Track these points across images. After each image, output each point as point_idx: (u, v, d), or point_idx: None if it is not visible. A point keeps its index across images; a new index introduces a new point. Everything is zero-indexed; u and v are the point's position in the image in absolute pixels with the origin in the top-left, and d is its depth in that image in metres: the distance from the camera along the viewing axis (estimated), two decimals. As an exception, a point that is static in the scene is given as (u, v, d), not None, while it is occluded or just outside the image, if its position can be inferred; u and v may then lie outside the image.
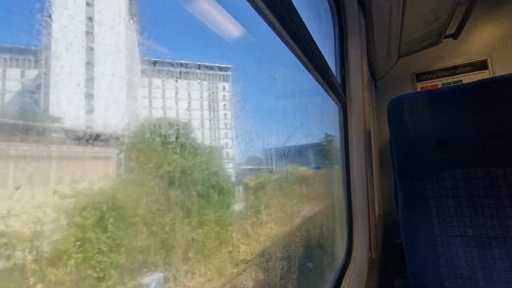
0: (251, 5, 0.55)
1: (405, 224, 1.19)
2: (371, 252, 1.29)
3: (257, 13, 0.58)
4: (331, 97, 1.20)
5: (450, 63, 2.41)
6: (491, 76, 2.22)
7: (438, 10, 1.70)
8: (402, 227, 1.20)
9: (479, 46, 2.31)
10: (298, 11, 0.67)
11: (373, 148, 1.87)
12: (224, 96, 0.69)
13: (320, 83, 1.03)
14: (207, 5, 0.50)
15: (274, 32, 0.67)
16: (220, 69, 0.62)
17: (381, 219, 2.19)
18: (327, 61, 0.98)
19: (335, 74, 1.19)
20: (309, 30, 0.77)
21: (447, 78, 2.42)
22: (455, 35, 2.18)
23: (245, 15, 0.57)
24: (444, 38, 2.11)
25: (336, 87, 1.12)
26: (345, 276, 1.09)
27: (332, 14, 1.35)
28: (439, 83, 2.44)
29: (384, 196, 2.53)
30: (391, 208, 2.38)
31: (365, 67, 1.44)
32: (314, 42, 0.81)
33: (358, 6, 1.32)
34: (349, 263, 1.20)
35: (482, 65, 2.28)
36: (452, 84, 2.38)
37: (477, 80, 1.17)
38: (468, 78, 2.32)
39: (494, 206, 1.06)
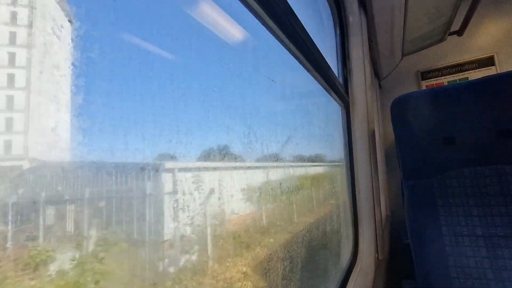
0: (246, 7, 0.56)
1: (412, 224, 1.18)
2: (377, 253, 1.27)
3: (253, 16, 0.58)
4: (333, 98, 1.20)
5: (456, 60, 2.37)
6: (498, 72, 2.18)
7: (442, 6, 1.69)
8: (409, 227, 1.18)
9: (485, 42, 2.28)
10: (297, 11, 0.67)
11: (378, 148, 1.85)
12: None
13: (321, 84, 1.02)
14: (203, 6, 0.51)
15: (272, 34, 0.67)
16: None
17: (388, 219, 2.16)
18: (329, 62, 0.98)
19: (337, 75, 1.18)
20: (309, 31, 0.77)
21: (452, 75, 2.39)
22: (460, 32, 2.15)
23: (240, 17, 0.57)
24: (449, 35, 2.09)
25: (338, 87, 1.11)
26: (351, 277, 1.08)
27: (332, 14, 1.35)
28: (444, 81, 2.41)
29: (391, 197, 2.50)
30: (399, 208, 2.35)
31: (368, 67, 1.44)
32: (314, 43, 0.82)
33: (359, 5, 1.31)
34: (355, 264, 1.18)
35: (488, 61, 2.24)
36: (458, 82, 2.35)
37: (483, 77, 1.15)
38: (475, 75, 2.28)
39: (503, 204, 1.04)
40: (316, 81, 0.98)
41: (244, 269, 0.53)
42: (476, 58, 2.29)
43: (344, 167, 1.35)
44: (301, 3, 0.91)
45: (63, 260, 0.30)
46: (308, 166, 0.94)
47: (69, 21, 0.28)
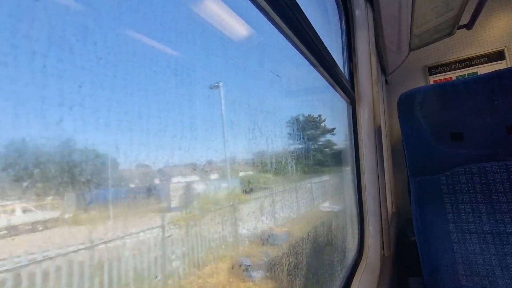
0: (252, 3, 0.55)
1: (418, 220, 1.17)
2: (383, 250, 1.26)
3: (258, 10, 0.57)
4: (339, 94, 1.19)
5: (464, 54, 2.33)
6: (508, 66, 2.13)
7: (450, 0, 1.65)
8: (416, 224, 1.17)
9: (495, 35, 2.23)
10: (302, 5, 0.66)
11: (384, 144, 1.83)
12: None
13: (326, 79, 1.01)
14: (209, 3, 0.51)
15: (277, 29, 0.67)
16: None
17: (395, 216, 2.14)
18: (334, 57, 0.97)
19: (342, 70, 1.17)
20: (315, 25, 0.76)
21: (461, 70, 2.34)
22: (469, 26, 2.10)
23: (246, 12, 0.57)
24: (457, 29, 2.04)
25: (344, 83, 1.10)
26: (356, 273, 1.07)
27: (338, 8, 1.33)
28: (453, 75, 2.37)
29: (398, 193, 2.48)
30: (405, 205, 2.33)
31: (374, 62, 1.42)
32: (320, 38, 0.80)
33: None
34: (360, 261, 1.18)
35: (498, 55, 2.19)
36: (466, 76, 2.30)
37: (493, 71, 1.13)
38: (484, 69, 2.23)
39: None
40: (322, 77, 0.97)
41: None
42: (486, 52, 2.24)
43: (346, 167, 1.34)
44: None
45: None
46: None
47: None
